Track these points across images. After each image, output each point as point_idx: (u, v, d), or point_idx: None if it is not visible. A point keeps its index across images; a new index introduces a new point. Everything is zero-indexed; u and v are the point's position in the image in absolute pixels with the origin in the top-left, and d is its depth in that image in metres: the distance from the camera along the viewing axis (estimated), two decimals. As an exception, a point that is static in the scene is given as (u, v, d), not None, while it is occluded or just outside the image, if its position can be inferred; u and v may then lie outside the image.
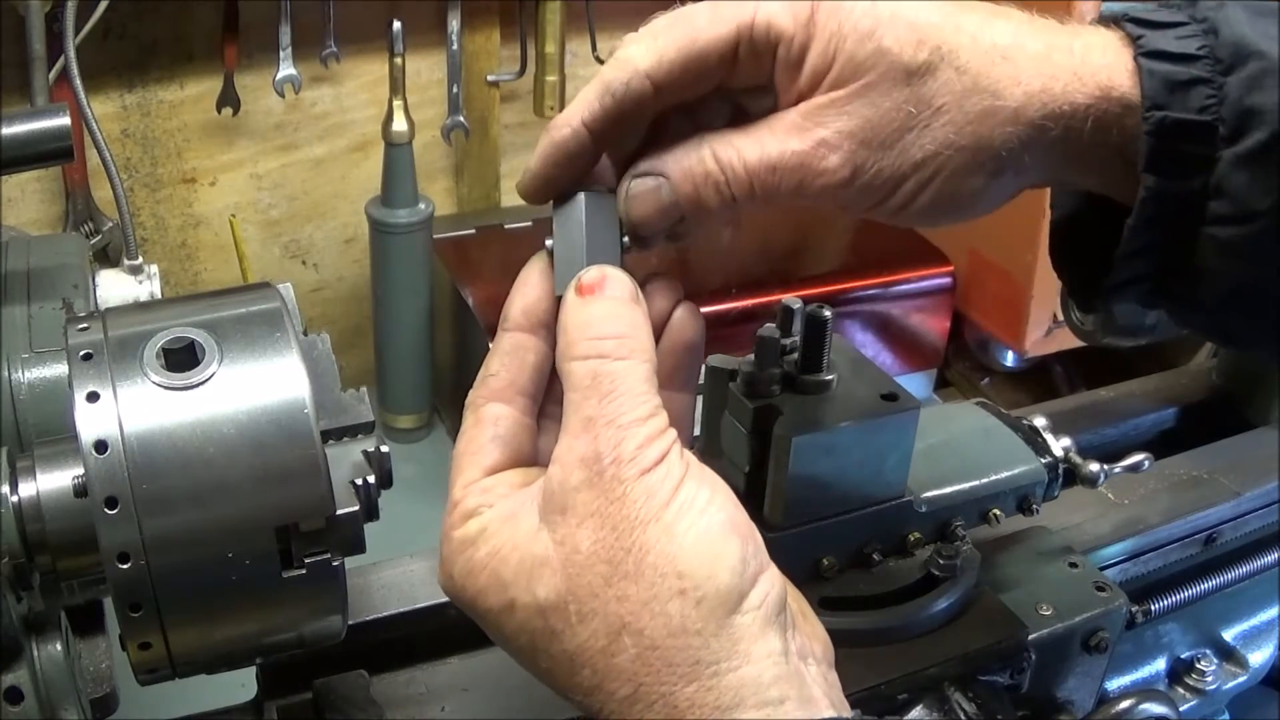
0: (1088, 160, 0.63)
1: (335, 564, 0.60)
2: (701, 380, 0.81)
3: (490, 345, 0.65)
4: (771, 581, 0.57)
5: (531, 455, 0.64)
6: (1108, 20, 0.64)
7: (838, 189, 0.62)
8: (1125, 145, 0.62)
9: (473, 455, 0.62)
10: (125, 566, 0.56)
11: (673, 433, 0.58)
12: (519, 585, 0.57)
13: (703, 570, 0.55)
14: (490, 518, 0.59)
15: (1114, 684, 1.05)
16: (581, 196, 0.65)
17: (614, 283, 0.62)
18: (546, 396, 0.66)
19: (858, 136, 0.61)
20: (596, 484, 0.56)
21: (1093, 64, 0.62)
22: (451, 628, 0.86)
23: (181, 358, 0.59)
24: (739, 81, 0.65)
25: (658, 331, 0.65)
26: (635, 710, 0.54)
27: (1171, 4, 0.64)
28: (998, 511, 0.89)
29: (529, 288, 0.65)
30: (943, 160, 0.61)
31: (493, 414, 0.63)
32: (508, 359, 0.64)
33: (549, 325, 0.64)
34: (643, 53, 0.63)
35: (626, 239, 0.65)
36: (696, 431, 0.85)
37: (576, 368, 0.59)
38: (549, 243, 0.65)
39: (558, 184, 0.66)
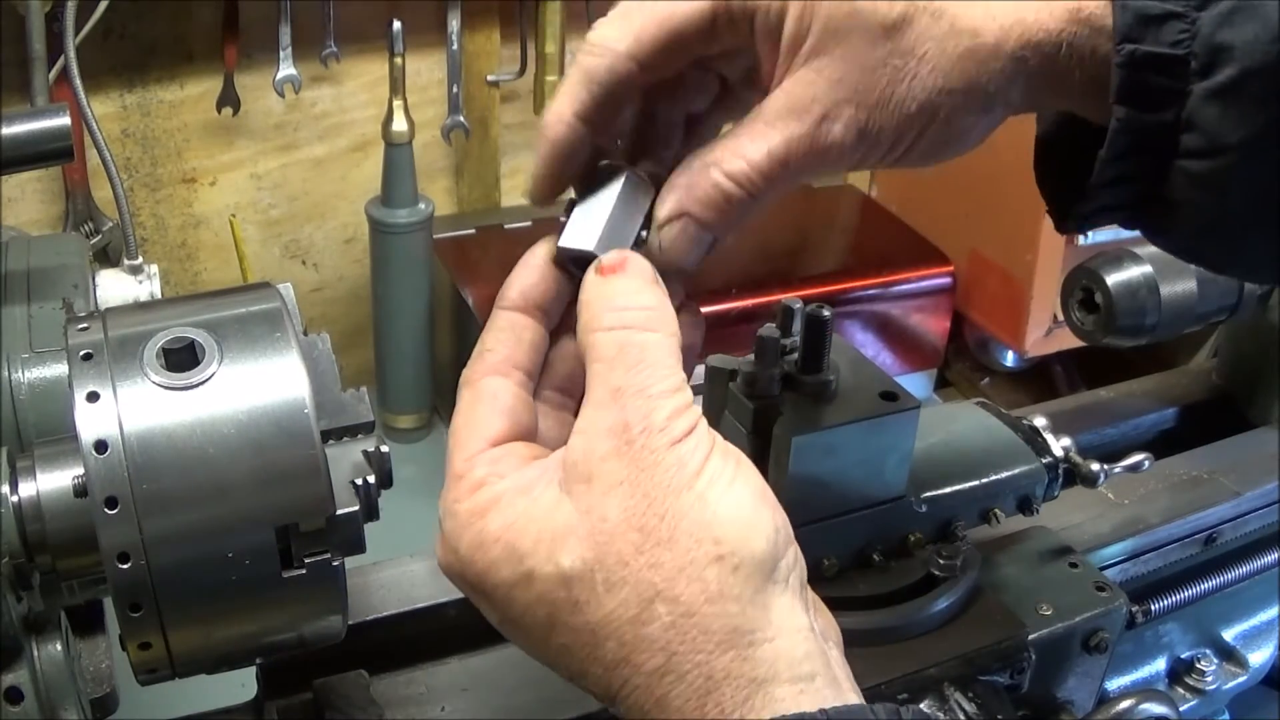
0: (1065, 86, 0.63)
1: (335, 564, 0.60)
2: (702, 380, 0.81)
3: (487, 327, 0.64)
4: (797, 556, 0.57)
5: (532, 429, 0.63)
6: None
7: (848, 155, 0.63)
8: (1099, 72, 0.62)
9: (473, 428, 0.61)
10: (125, 566, 0.56)
11: (698, 408, 0.57)
12: (538, 555, 0.55)
13: (738, 536, 0.54)
14: (503, 489, 0.58)
15: (1114, 684, 1.05)
16: (623, 175, 0.64)
17: (636, 264, 0.61)
18: (543, 380, 0.65)
19: (853, 100, 0.61)
20: (625, 453, 0.55)
21: None
22: (451, 628, 0.86)
23: (181, 358, 0.59)
24: (718, 49, 0.65)
25: None
26: (665, 683, 0.53)
27: None
28: (998, 511, 0.89)
29: (529, 270, 0.64)
30: (937, 104, 0.62)
31: (491, 388, 0.62)
32: (504, 335, 0.63)
33: (546, 309, 0.64)
34: (619, 34, 0.63)
35: (645, 233, 0.64)
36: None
37: (602, 338, 0.58)
38: (570, 198, 0.64)
39: (564, 181, 0.66)
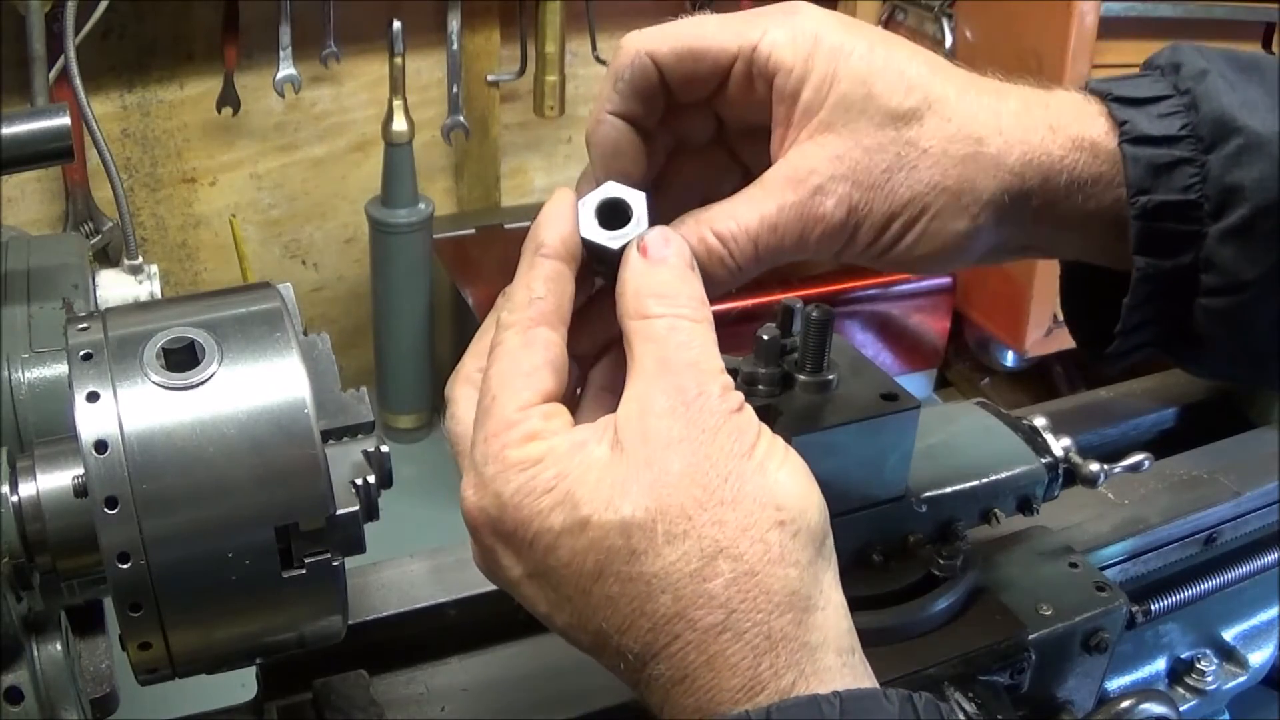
0: (1070, 219, 0.65)
1: (335, 564, 0.60)
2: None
3: (524, 272, 0.63)
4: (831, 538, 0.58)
5: (565, 392, 0.62)
6: (1093, 92, 0.66)
7: (835, 233, 0.64)
8: (1103, 208, 0.64)
9: (527, 377, 0.59)
10: (125, 566, 0.56)
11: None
12: (596, 502, 0.55)
13: (797, 505, 0.55)
14: (556, 442, 0.57)
15: (1114, 684, 1.05)
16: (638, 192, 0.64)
17: (678, 252, 0.61)
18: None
19: (850, 178, 0.63)
20: (683, 413, 0.56)
21: (1066, 119, 0.64)
22: (451, 628, 0.86)
23: (181, 358, 0.59)
24: (733, 99, 0.66)
25: None
26: (722, 640, 0.53)
27: (1154, 68, 0.67)
28: (998, 511, 0.89)
29: (564, 220, 0.63)
30: (929, 200, 0.63)
31: (544, 338, 0.61)
32: (553, 285, 0.62)
33: (579, 260, 0.63)
34: (643, 36, 0.65)
35: None
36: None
37: (655, 323, 0.59)
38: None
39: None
